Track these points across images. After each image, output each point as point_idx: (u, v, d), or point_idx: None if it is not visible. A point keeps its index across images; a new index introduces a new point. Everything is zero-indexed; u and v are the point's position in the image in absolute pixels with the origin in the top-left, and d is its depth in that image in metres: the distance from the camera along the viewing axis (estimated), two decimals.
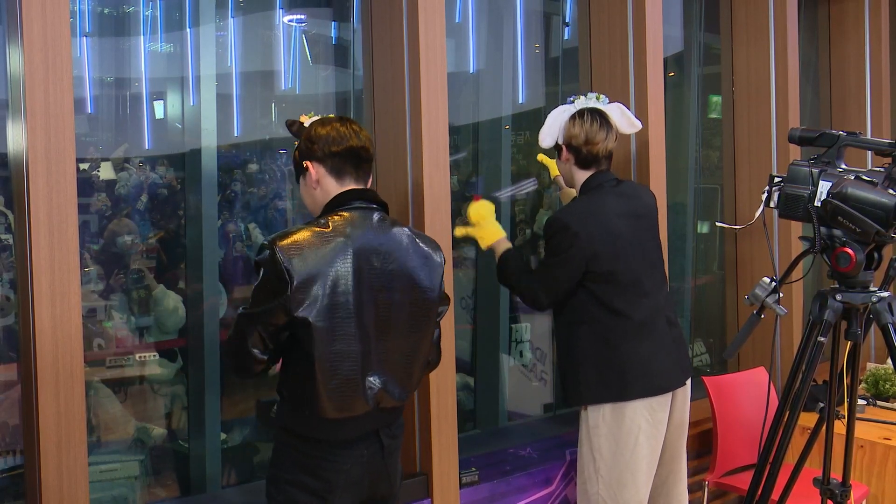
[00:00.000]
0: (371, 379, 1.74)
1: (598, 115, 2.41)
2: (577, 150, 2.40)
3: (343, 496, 1.77)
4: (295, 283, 1.64)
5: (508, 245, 2.53)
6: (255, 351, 1.70)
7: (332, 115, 1.88)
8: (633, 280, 2.37)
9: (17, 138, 1.85)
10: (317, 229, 1.71)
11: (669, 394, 2.41)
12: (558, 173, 2.70)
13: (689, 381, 2.50)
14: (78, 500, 1.84)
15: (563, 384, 2.49)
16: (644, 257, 2.43)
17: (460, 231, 2.57)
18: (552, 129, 2.44)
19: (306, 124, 1.85)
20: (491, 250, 2.56)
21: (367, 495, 1.84)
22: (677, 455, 2.51)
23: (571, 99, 2.45)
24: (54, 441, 1.80)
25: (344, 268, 1.69)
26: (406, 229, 1.83)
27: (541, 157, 2.80)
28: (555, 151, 2.52)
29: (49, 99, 1.80)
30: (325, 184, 1.80)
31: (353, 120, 1.86)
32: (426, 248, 1.84)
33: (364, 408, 1.74)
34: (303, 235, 1.68)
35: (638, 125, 2.50)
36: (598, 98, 2.44)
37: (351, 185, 1.80)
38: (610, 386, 2.35)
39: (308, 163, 1.81)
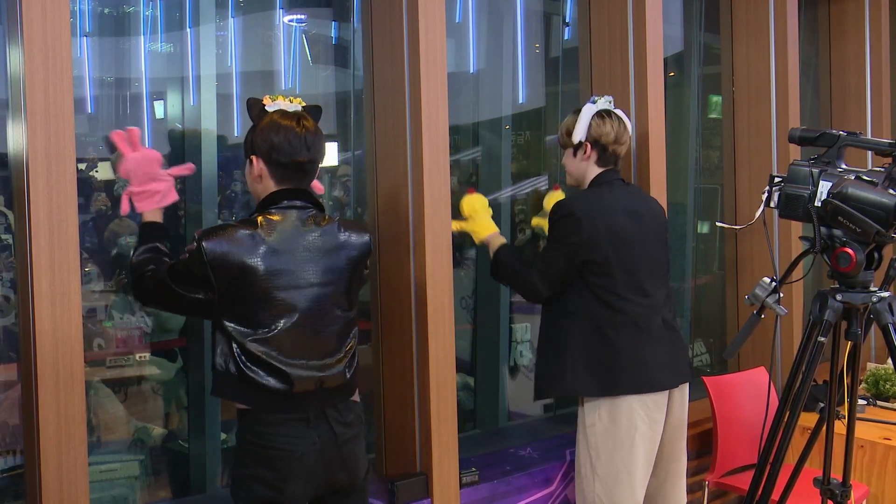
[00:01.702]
0: (305, 365, 1.80)
1: (620, 118, 2.46)
2: (603, 148, 2.43)
3: (297, 485, 1.80)
4: (215, 280, 1.75)
5: (502, 240, 2.55)
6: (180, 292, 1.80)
7: (295, 105, 1.89)
8: (631, 277, 2.37)
9: (17, 138, 1.85)
10: (244, 230, 1.78)
11: (665, 393, 2.40)
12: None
13: (686, 385, 2.49)
14: (78, 500, 1.84)
15: (544, 372, 2.46)
16: (645, 256, 2.42)
17: (455, 225, 2.58)
18: (582, 126, 2.44)
19: (268, 108, 1.87)
20: (484, 245, 2.57)
21: (326, 486, 1.86)
22: (676, 456, 2.51)
23: (594, 98, 2.48)
24: (54, 441, 1.80)
25: (268, 267, 1.76)
26: (335, 225, 1.88)
27: (535, 221, 2.78)
28: (562, 151, 2.54)
29: (49, 99, 1.80)
30: (265, 181, 1.86)
31: (309, 120, 1.87)
32: (345, 236, 1.89)
33: (295, 390, 1.79)
34: (230, 234, 1.76)
35: (630, 131, 2.54)
36: (609, 102, 2.49)
37: (287, 186, 1.86)
38: (600, 379, 2.35)
39: (254, 157, 1.86)
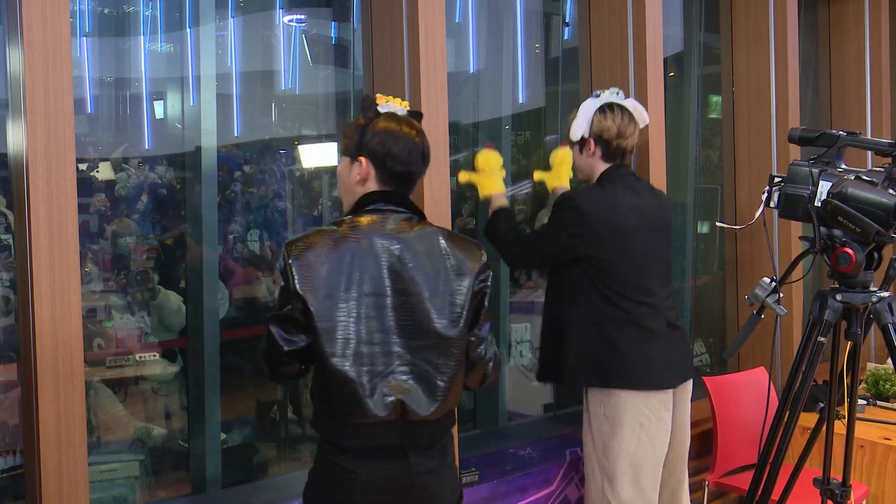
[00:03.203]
0: (387, 384, 1.64)
1: (625, 110, 2.43)
2: (606, 143, 2.41)
3: None
4: (297, 283, 1.61)
5: (505, 202, 2.55)
6: (280, 342, 1.65)
7: (402, 110, 1.79)
8: (634, 275, 2.36)
9: (17, 138, 1.85)
10: (330, 231, 1.67)
11: (669, 392, 2.40)
12: (559, 184, 2.70)
13: (689, 385, 2.49)
14: (78, 500, 1.83)
15: (546, 358, 2.46)
16: (650, 255, 2.41)
17: (464, 176, 2.58)
18: (582, 123, 2.43)
19: (381, 109, 1.77)
20: (487, 201, 2.57)
21: None
22: (680, 457, 2.51)
23: (597, 93, 2.45)
24: (54, 442, 1.80)
25: (351, 270, 1.64)
26: (439, 235, 1.72)
27: (537, 175, 2.79)
28: (569, 148, 2.54)
29: (49, 99, 1.80)
30: (368, 184, 1.75)
31: (420, 130, 1.77)
32: (456, 258, 1.71)
33: (375, 417, 1.64)
34: (314, 239, 1.66)
35: (646, 119, 2.52)
36: (617, 94, 2.45)
37: (386, 188, 1.75)
38: (597, 372, 2.34)
39: (363, 159, 1.74)
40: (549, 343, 2.46)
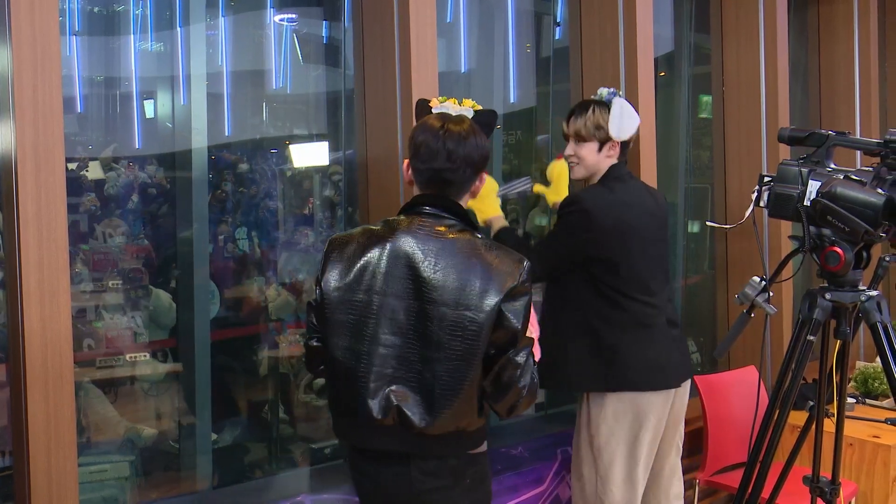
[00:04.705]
0: (391, 389, 1.61)
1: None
2: (626, 144, 2.42)
3: None
4: (321, 273, 1.68)
5: (504, 223, 2.54)
6: (310, 334, 1.74)
7: (465, 109, 1.76)
8: (637, 275, 2.36)
9: (5, 137, 1.84)
10: (370, 230, 1.70)
11: (669, 392, 2.39)
12: (558, 199, 2.66)
13: (687, 383, 2.49)
14: (67, 501, 1.82)
15: (545, 368, 2.46)
16: (651, 255, 2.41)
17: None
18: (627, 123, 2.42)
19: (434, 111, 1.76)
20: (487, 225, 2.57)
21: None
22: (673, 449, 2.51)
23: (617, 92, 2.46)
24: (43, 443, 1.79)
25: (375, 266, 1.63)
26: (479, 247, 1.65)
27: (537, 188, 2.77)
28: (576, 142, 2.49)
29: (38, 98, 1.79)
30: (414, 186, 1.75)
31: (463, 123, 1.70)
32: (487, 274, 1.62)
33: (374, 419, 1.61)
34: (354, 235, 1.71)
35: (638, 118, 2.51)
36: (618, 94, 2.47)
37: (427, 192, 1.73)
38: (604, 375, 2.34)
39: (407, 161, 1.75)
40: (550, 351, 2.45)
